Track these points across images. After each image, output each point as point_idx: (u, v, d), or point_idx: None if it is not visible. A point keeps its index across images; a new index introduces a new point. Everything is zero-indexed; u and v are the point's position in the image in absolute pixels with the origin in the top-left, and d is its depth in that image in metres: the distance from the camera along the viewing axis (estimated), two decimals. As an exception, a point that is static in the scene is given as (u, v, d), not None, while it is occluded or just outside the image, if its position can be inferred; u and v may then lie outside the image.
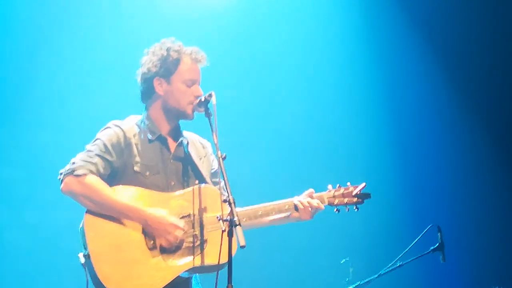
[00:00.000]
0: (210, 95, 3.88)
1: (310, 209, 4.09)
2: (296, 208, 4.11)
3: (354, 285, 5.62)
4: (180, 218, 3.86)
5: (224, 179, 3.63)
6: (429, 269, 6.96)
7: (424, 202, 7.55)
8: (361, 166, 7.39)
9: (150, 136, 4.03)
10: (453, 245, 5.75)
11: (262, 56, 7.39)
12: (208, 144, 4.23)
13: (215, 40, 6.92)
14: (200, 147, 4.21)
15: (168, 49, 4.04)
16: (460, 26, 7.56)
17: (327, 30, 7.57)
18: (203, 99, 3.94)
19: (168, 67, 4.01)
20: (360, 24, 7.68)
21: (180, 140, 4.10)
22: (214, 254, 3.72)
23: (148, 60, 4.06)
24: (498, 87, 7.59)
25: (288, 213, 4.15)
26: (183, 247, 3.82)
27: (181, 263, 3.80)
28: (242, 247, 3.40)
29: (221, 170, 3.64)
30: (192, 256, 3.81)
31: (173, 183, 3.99)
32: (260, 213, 4.04)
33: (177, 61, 4.02)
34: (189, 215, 3.88)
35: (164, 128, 4.07)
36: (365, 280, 5.59)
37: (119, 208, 3.79)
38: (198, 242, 3.83)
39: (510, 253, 7.33)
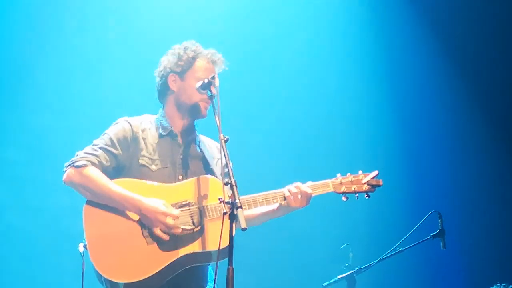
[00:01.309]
0: (213, 77, 3.90)
1: (298, 195, 4.07)
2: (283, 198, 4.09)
3: (353, 270, 5.62)
4: (178, 206, 3.89)
5: (226, 162, 3.64)
6: (429, 255, 6.98)
7: (425, 188, 7.56)
8: (363, 153, 7.41)
9: (161, 131, 4.09)
10: (453, 231, 5.75)
11: (269, 42, 7.42)
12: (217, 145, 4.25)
13: (221, 24, 6.93)
14: (214, 149, 4.24)
15: (185, 48, 4.12)
16: (466, 19, 7.55)
17: (334, 21, 7.58)
18: (206, 81, 3.95)
19: (183, 64, 4.09)
20: (366, 15, 7.68)
21: (192, 137, 4.15)
22: (211, 242, 3.80)
23: (166, 59, 4.15)
24: (498, 75, 7.58)
25: (277, 205, 4.14)
26: (180, 234, 3.84)
27: (176, 250, 3.83)
28: (243, 229, 3.41)
29: (223, 153, 3.64)
30: (188, 243, 3.84)
31: (181, 177, 4.03)
32: (260, 201, 4.04)
33: (193, 59, 4.09)
34: (188, 204, 3.90)
35: (177, 124, 4.13)
36: (365, 265, 5.59)
37: (115, 197, 3.85)
38: (195, 230, 3.86)
39: (510, 241, 7.35)
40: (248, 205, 3.99)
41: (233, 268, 3.37)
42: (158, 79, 4.16)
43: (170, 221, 3.81)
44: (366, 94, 7.69)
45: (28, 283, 6.48)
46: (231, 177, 3.59)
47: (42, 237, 6.49)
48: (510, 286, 5.93)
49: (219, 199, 3.66)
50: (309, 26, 7.57)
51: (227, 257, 3.44)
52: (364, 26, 7.66)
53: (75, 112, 6.64)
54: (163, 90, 4.16)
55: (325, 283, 5.66)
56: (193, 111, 4.10)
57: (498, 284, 5.94)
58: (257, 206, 4.03)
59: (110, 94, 6.65)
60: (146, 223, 3.84)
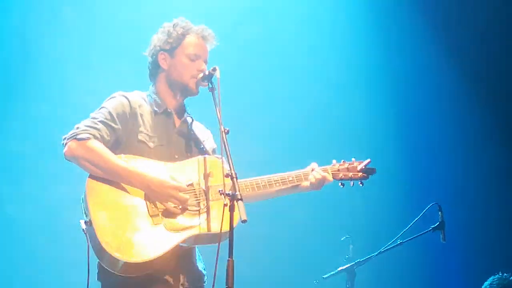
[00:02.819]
0: (214, 69, 3.87)
1: (324, 181, 4.17)
2: (302, 179, 4.16)
3: (354, 262, 5.62)
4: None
5: (227, 154, 3.62)
6: (429, 248, 6.98)
7: (426, 181, 7.56)
8: (363, 144, 7.40)
9: (156, 109, 4.03)
10: (453, 224, 5.75)
11: (270, 36, 7.42)
12: (209, 131, 4.25)
13: (222, 16, 6.92)
14: (203, 129, 4.23)
15: (175, 25, 4.07)
16: (468, 13, 7.55)
17: (335, 16, 7.59)
18: (207, 73, 3.93)
19: (172, 41, 4.03)
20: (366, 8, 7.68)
21: (184, 117, 4.12)
22: (215, 224, 3.74)
23: (156, 37, 4.10)
24: (499, 68, 7.58)
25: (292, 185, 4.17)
26: (185, 215, 3.79)
27: (182, 232, 3.77)
28: (243, 221, 3.40)
29: (224, 145, 3.63)
30: (194, 225, 3.78)
31: (176, 156, 3.98)
32: (263, 184, 4.05)
33: (182, 36, 4.04)
34: (192, 184, 3.86)
35: (170, 103, 4.07)
36: (365, 258, 5.59)
37: (122, 172, 3.74)
38: (201, 211, 3.81)
39: (510, 233, 7.35)
40: (251, 189, 3.99)
41: (233, 260, 3.36)
42: (149, 58, 4.11)
43: (181, 195, 3.77)
44: (365, 86, 7.69)
45: (28, 274, 6.48)
46: (232, 169, 3.57)
47: (42, 228, 6.49)
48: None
49: (219, 191, 3.66)
50: (308, 21, 7.55)
51: (227, 239, 3.41)
52: (365, 19, 7.65)
53: (75, 103, 6.61)
54: (154, 69, 4.10)
55: (325, 275, 5.68)
56: (185, 89, 4.05)
57: (499, 274, 5.96)
58: (261, 190, 4.04)
59: (111, 85, 6.62)
60: (155, 199, 3.76)
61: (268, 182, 4.07)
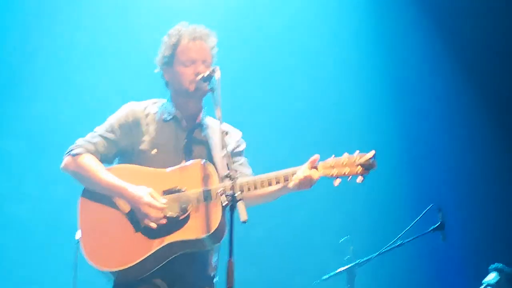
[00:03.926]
0: (214, 70, 3.85)
1: (303, 181, 3.84)
2: (289, 179, 3.86)
3: (354, 263, 5.62)
4: (168, 193, 3.85)
5: (226, 154, 3.61)
6: (429, 249, 6.98)
7: (425, 182, 7.56)
8: (363, 144, 7.35)
9: (165, 116, 4.06)
10: (453, 225, 5.75)
11: (272, 35, 7.44)
12: (235, 133, 4.22)
13: (223, 14, 6.93)
14: (218, 133, 4.10)
15: (169, 35, 4.09)
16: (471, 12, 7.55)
17: (336, 14, 7.59)
18: (206, 74, 3.91)
19: (168, 54, 4.06)
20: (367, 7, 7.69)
21: (198, 121, 4.11)
22: (198, 228, 3.74)
23: (159, 52, 4.12)
24: (499, 66, 7.57)
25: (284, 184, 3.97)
26: (167, 221, 3.81)
27: (162, 237, 3.80)
28: (243, 222, 3.39)
29: (223, 145, 3.64)
30: (175, 230, 3.80)
31: (184, 161, 3.97)
32: (261, 182, 3.88)
33: (175, 46, 4.04)
34: (178, 190, 3.86)
35: (183, 109, 4.08)
36: (365, 259, 5.59)
37: (104, 185, 3.87)
38: (182, 217, 3.81)
39: (510, 234, 7.35)
40: (249, 189, 3.86)
41: (233, 261, 3.36)
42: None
43: (153, 212, 3.79)
44: (367, 85, 7.68)
45: (27, 272, 6.48)
46: (232, 169, 3.56)
47: (40, 227, 6.50)
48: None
49: (218, 191, 3.66)
50: (310, 20, 7.55)
51: (219, 243, 3.44)
52: (366, 18, 7.66)
53: (74, 103, 6.63)
54: (165, 82, 4.16)
55: (325, 276, 5.67)
56: (189, 94, 4.04)
57: (496, 265, 6.04)
58: (257, 189, 3.87)
59: (109, 84, 6.64)
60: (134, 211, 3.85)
61: (260, 182, 3.86)
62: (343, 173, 3.86)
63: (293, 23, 7.51)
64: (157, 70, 4.15)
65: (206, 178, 3.83)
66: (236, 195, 3.44)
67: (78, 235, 3.85)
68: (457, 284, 7.46)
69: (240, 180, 3.70)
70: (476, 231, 7.38)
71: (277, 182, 3.88)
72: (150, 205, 3.80)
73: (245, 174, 4.08)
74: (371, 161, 3.88)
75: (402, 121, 7.73)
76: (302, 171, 3.87)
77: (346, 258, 5.76)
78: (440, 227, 5.38)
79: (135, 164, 3.94)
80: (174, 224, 3.81)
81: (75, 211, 3.93)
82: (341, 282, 5.66)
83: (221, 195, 3.61)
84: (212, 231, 3.68)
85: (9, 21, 6.66)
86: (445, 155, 7.72)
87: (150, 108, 4.08)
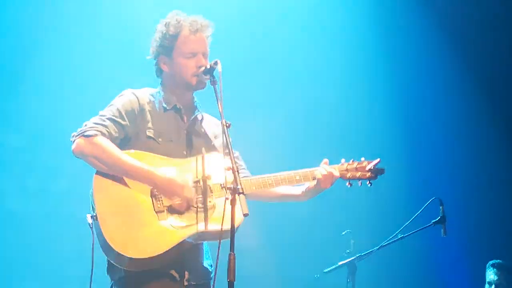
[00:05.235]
0: (215, 63, 3.85)
1: (331, 177, 4.05)
2: (309, 178, 4.06)
3: (355, 257, 5.63)
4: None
5: (228, 147, 3.61)
6: (430, 242, 6.99)
7: (427, 175, 7.56)
8: (365, 139, 7.41)
9: (165, 106, 4.05)
10: (454, 218, 5.75)
11: (274, 33, 7.43)
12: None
13: (223, 14, 6.91)
14: (214, 126, 4.19)
15: (167, 25, 4.06)
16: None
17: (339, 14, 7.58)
18: (208, 67, 3.92)
19: (167, 44, 4.03)
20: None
21: (195, 114, 4.11)
22: (219, 221, 3.69)
23: (153, 39, 4.10)
24: (501, 63, 7.58)
25: (299, 184, 4.10)
26: (191, 212, 3.79)
27: (187, 228, 3.77)
28: (245, 215, 3.39)
29: (226, 139, 3.62)
30: (198, 222, 3.77)
31: (185, 152, 3.99)
32: (270, 183, 4.00)
33: (175, 36, 4.02)
34: (198, 181, 3.85)
35: (179, 100, 4.08)
36: (366, 252, 5.60)
37: (128, 169, 3.76)
38: (206, 208, 3.80)
39: (511, 228, 7.36)
40: (257, 187, 3.95)
41: (234, 254, 3.36)
42: (153, 59, 4.13)
43: (189, 193, 3.78)
44: (369, 83, 7.68)
45: (30, 268, 6.48)
46: (233, 162, 3.56)
47: (43, 222, 6.49)
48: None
49: (221, 185, 3.67)
50: (312, 19, 7.55)
51: (229, 238, 3.41)
52: (368, 17, 7.66)
53: (76, 97, 6.62)
54: (158, 71, 4.13)
55: (326, 269, 5.68)
56: (189, 87, 4.06)
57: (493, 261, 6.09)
58: (266, 188, 3.99)
59: (111, 80, 6.63)
60: (161, 195, 3.78)
61: (275, 180, 4.00)
62: (356, 176, 4.17)
63: (295, 23, 7.50)
64: (149, 57, 4.12)
65: (226, 171, 3.72)
66: (238, 187, 3.43)
67: (90, 219, 3.68)
68: (458, 278, 7.47)
69: (249, 179, 3.88)
70: (477, 225, 7.39)
71: (289, 182, 4.02)
72: (183, 186, 3.77)
73: (242, 167, 4.14)
74: (380, 168, 4.18)
75: (404, 117, 7.73)
76: (322, 169, 4.06)
77: (347, 251, 5.77)
78: (441, 221, 5.38)
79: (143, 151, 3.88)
80: (198, 215, 3.79)
81: (79, 206, 3.89)
82: (342, 275, 5.67)
83: (222, 188, 3.62)
84: (240, 222, 3.59)
85: (10, 17, 6.65)
86: (447, 149, 7.72)
87: (149, 96, 4.06)
